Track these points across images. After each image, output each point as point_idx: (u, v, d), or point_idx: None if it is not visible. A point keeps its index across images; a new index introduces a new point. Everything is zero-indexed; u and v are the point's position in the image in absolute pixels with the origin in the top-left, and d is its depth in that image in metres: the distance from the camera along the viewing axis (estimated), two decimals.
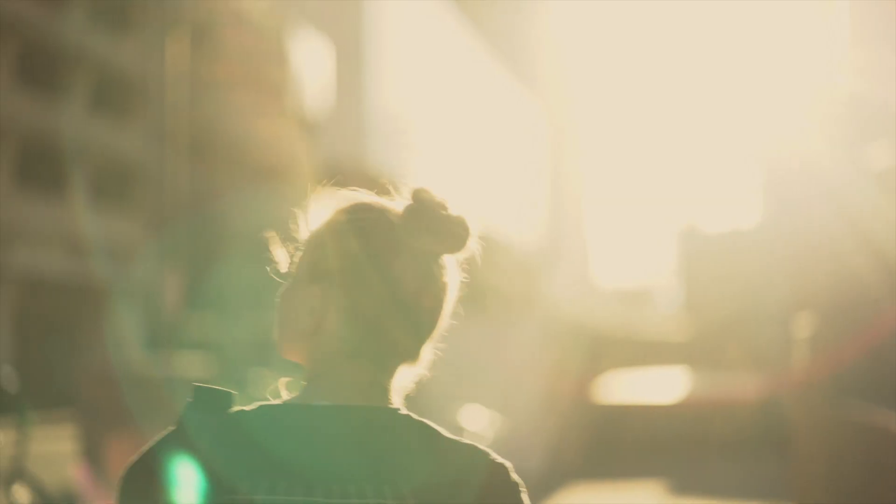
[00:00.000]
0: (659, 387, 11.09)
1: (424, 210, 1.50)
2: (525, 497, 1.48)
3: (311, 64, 27.25)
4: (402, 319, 1.49)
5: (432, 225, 1.50)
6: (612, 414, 9.75)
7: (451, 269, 1.53)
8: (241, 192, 25.97)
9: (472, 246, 1.51)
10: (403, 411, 1.50)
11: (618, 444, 9.66)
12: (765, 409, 9.57)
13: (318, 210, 1.53)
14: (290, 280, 1.53)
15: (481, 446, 1.49)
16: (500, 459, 1.48)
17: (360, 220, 1.50)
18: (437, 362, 1.55)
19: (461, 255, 1.52)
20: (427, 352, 1.54)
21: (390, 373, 1.51)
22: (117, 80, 26.09)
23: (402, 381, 1.53)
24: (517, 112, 47.52)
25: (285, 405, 1.48)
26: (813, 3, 7.36)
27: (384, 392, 1.51)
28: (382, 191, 1.54)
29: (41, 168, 25.27)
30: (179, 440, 1.45)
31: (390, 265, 1.48)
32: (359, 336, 1.49)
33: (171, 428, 1.47)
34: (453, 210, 1.51)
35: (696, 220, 19.63)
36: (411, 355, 1.51)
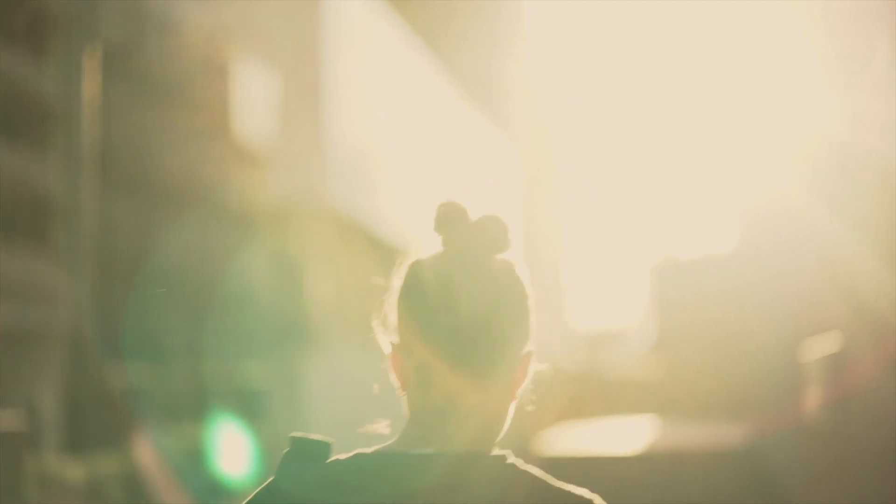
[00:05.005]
0: (622, 434, 9.48)
1: (449, 215, 1.53)
2: None
3: (259, 95, 26.28)
4: (484, 345, 1.49)
5: (461, 227, 1.53)
6: (558, 469, 8.23)
7: (510, 269, 1.54)
8: (178, 229, 24.63)
9: (514, 241, 1.54)
10: (510, 459, 1.51)
11: None
12: (748, 458, 8.08)
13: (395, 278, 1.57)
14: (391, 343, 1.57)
15: (589, 494, 1.49)
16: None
17: (406, 276, 1.54)
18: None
19: (509, 253, 1.54)
20: (525, 363, 1.54)
21: (491, 411, 1.51)
22: (31, 106, 24.57)
23: (508, 413, 1.54)
24: (490, 153, 46.98)
25: (381, 453, 1.51)
26: (797, 47, 7.55)
27: (487, 435, 1.52)
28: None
29: None
30: (278, 492, 1.47)
31: (443, 295, 1.50)
32: (441, 391, 1.50)
33: (270, 479, 1.49)
34: (479, 213, 1.54)
35: (670, 251, 19.01)
36: (503, 382, 1.51)
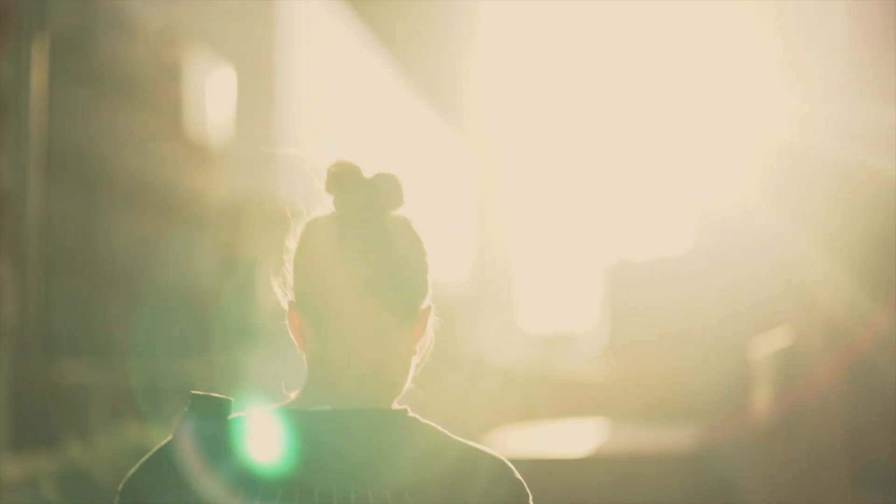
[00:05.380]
0: (572, 437, 9.44)
1: (341, 175, 1.51)
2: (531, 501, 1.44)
3: (212, 91, 26.13)
4: (379, 301, 1.47)
5: (354, 185, 1.50)
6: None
7: (405, 225, 1.52)
8: (128, 225, 24.44)
9: (409, 198, 1.51)
10: (410, 413, 1.49)
11: None
12: (702, 465, 8.09)
13: (290, 240, 1.54)
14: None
15: (496, 454, 1.48)
16: (509, 463, 1.47)
17: (301, 236, 1.53)
18: None
19: (404, 210, 1.52)
20: (423, 318, 1.52)
21: (389, 367, 1.49)
22: None
23: (409, 368, 1.52)
24: (442, 153, 46.99)
25: (282, 410, 1.49)
26: (750, 49, 7.54)
27: (387, 391, 1.49)
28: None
29: None
30: (178, 449, 1.45)
31: (337, 254, 1.47)
32: (338, 349, 1.48)
33: (169, 437, 1.48)
34: (372, 171, 1.52)
35: (623, 254, 19.01)
36: (401, 339, 1.50)
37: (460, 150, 49.13)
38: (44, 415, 13.80)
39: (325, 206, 1.55)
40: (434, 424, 1.48)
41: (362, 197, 1.52)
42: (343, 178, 1.54)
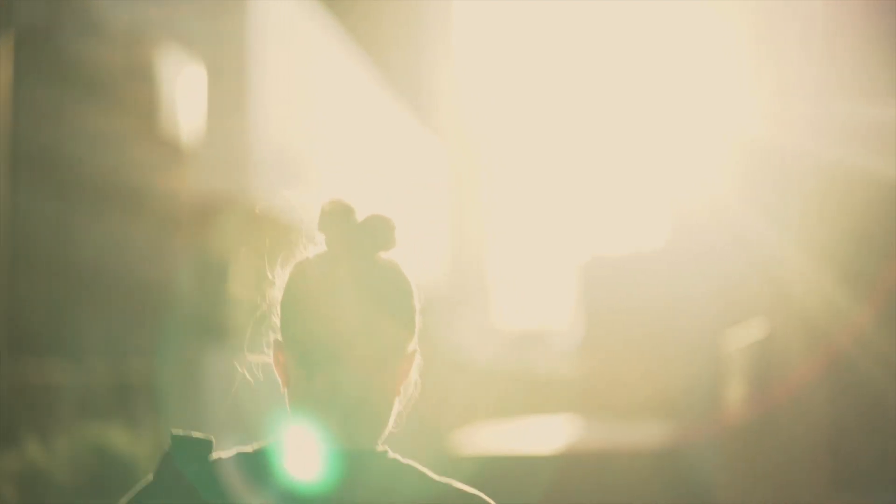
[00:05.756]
0: (544, 433, 9.36)
1: (334, 214, 1.52)
2: None
3: (184, 90, 26.00)
4: (366, 341, 1.48)
5: (346, 226, 1.51)
6: (476, 468, 8.07)
7: (395, 267, 1.53)
8: (97, 224, 24.22)
9: (401, 239, 1.52)
10: (391, 455, 1.51)
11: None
12: (676, 463, 8.03)
13: (277, 277, 1.55)
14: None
15: (471, 490, 1.48)
16: (485, 497, 1.48)
17: (291, 275, 1.54)
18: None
19: (395, 252, 1.53)
20: (409, 360, 1.52)
21: (373, 407, 1.50)
22: None
23: (392, 409, 1.52)
24: (416, 151, 47.01)
25: (265, 451, 1.48)
26: (725, 46, 7.58)
27: (369, 431, 1.50)
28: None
29: None
30: (159, 491, 1.43)
31: (326, 292, 1.48)
32: (323, 385, 1.48)
33: (150, 478, 1.46)
34: (365, 212, 1.53)
35: (597, 249, 19.02)
36: (386, 379, 1.50)
37: (434, 148, 49.11)
38: (9, 414, 13.64)
39: (316, 245, 1.57)
40: (414, 464, 1.49)
41: (354, 237, 1.54)
42: (335, 218, 1.55)
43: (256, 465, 1.45)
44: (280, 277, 1.57)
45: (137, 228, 22.24)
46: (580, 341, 19.51)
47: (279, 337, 1.55)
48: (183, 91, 24.47)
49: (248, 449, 1.49)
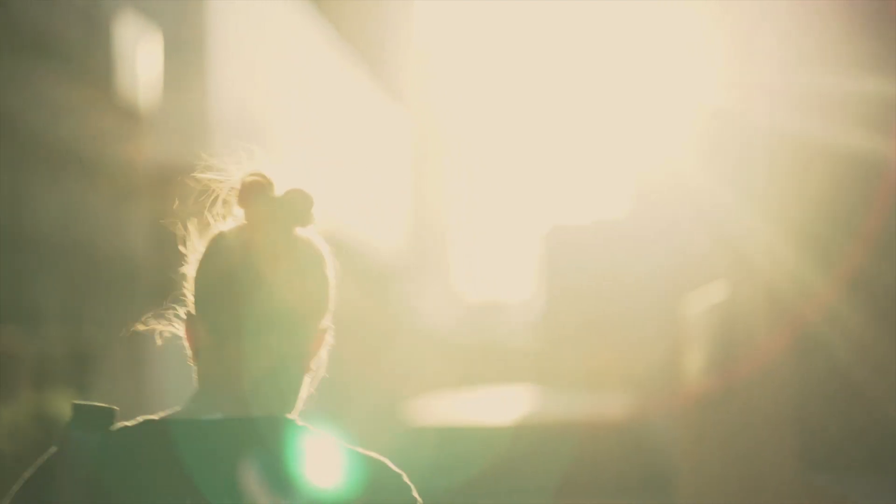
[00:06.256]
0: (501, 404, 9.25)
1: (253, 188, 1.52)
2: None
3: (141, 57, 25.70)
4: (279, 313, 1.48)
5: (264, 200, 1.51)
6: (429, 439, 7.96)
7: (310, 244, 1.53)
8: (53, 189, 23.91)
9: (318, 215, 1.53)
10: (300, 422, 1.50)
11: (435, 474, 7.66)
12: (636, 435, 7.95)
13: (191, 244, 1.56)
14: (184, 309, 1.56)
15: (378, 456, 1.50)
16: (396, 469, 1.50)
17: (207, 246, 1.54)
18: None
19: (311, 226, 1.53)
20: (320, 337, 1.53)
21: (282, 379, 1.50)
22: None
23: (301, 383, 1.52)
24: (377, 118, 46.77)
25: (170, 420, 1.47)
26: (687, 15, 7.49)
27: (279, 402, 1.49)
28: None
29: None
30: (62, 462, 1.42)
31: (241, 264, 1.49)
32: (235, 353, 1.48)
33: (53, 449, 1.45)
34: (285, 186, 1.54)
35: (560, 218, 18.99)
36: (296, 352, 1.51)
37: (395, 115, 48.89)
38: None
39: (235, 218, 1.57)
40: (324, 432, 1.49)
41: (272, 212, 1.54)
42: (254, 192, 1.55)
43: (162, 434, 1.45)
44: (196, 249, 1.57)
45: (94, 197, 21.99)
46: (541, 311, 19.51)
47: (191, 309, 1.55)
48: (140, 58, 24.18)
49: (155, 417, 1.48)
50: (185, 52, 25.56)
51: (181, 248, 1.59)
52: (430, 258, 54.65)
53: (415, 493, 1.50)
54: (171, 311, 1.61)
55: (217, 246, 1.55)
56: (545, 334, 18.07)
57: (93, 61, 23.69)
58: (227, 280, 1.51)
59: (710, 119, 5.84)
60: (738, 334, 3.91)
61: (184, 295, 1.58)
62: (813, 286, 3.00)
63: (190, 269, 1.58)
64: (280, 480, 1.42)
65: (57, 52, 23.92)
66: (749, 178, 4.48)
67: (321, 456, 1.45)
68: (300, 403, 1.55)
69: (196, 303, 1.55)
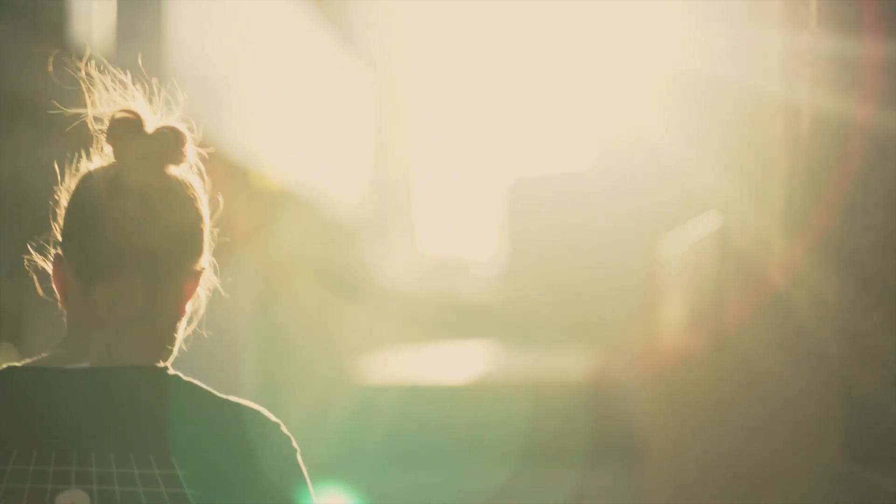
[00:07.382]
0: (458, 361, 9.07)
1: (122, 125, 1.47)
2: (299, 457, 1.44)
3: (97, 8, 25.34)
4: (149, 253, 1.44)
5: (134, 137, 1.46)
6: (379, 398, 7.78)
7: (183, 183, 1.48)
8: (2, 144, 23.63)
9: (191, 153, 1.48)
10: (171, 371, 1.45)
11: (388, 436, 7.51)
12: (600, 396, 7.86)
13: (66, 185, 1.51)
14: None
15: (255, 406, 1.44)
16: (273, 419, 1.45)
17: (76, 186, 1.49)
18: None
19: (183, 164, 1.49)
20: (195, 279, 1.48)
21: (152, 324, 1.45)
22: None
23: (174, 329, 1.47)
24: (338, 70, 46.40)
25: (34, 369, 1.43)
26: None
27: (149, 348, 1.45)
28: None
29: None
30: None
31: (109, 204, 1.44)
32: (102, 295, 1.44)
33: None
34: (159, 122, 1.48)
35: (523, 171, 18.93)
36: (167, 295, 1.46)
37: (357, 69, 48.58)
38: None
39: (104, 156, 1.52)
40: (196, 381, 1.44)
41: (141, 149, 1.48)
42: (124, 128, 1.50)
43: (20, 383, 1.40)
44: (66, 189, 1.52)
45: (46, 152, 21.75)
46: (505, 267, 19.46)
47: (60, 251, 1.51)
48: (94, 13, 23.82)
49: (18, 364, 1.44)
50: (140, 5, 25.24)
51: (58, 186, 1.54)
52: (392, 214, 54.47)
53: (294, 444, 1.45)
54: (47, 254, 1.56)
55: (84, 185, 1.50)
56: (508, 289, 18.03)
57: (44, 15, 23.32)
58: (91, 220, 1.46)
59: (673, 74, 5.81)
60: (729, 274, 3.72)
61: (54, 235, 1.53)
62: (779, 250, 2.97)
63: (59, 210, 1.53)
64: (146, 434, 1.37)
65: (4, 5, 23.47)
66: (712, 134, 4.45)
67: (192, 407, 1.40)
68: (174, 349, 1.50)
69: (62, 244, 1.50)
